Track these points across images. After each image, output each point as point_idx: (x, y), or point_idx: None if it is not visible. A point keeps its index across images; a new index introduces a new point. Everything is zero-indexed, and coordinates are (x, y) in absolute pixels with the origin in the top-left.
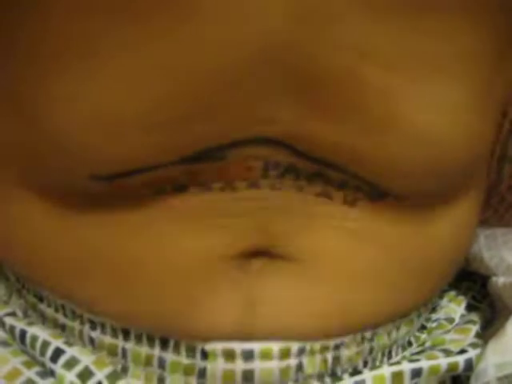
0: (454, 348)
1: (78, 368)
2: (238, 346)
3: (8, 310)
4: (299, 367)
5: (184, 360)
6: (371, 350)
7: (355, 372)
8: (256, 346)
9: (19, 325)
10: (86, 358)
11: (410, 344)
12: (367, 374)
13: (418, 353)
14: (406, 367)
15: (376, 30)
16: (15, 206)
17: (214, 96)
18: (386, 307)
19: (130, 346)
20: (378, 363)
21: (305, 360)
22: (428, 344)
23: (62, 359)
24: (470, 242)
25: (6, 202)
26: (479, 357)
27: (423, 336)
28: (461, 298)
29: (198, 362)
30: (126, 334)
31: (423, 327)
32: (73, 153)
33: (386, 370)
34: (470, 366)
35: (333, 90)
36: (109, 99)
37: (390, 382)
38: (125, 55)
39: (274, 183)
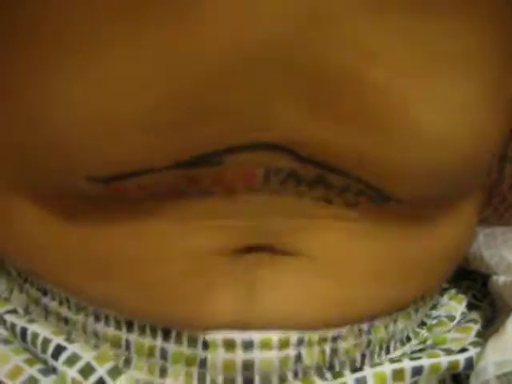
0: (455, 347)
1: (80, 364)
2: (238, 336)
3: (8, 307)
4: (298, 358)
5: (185, 350)
6: (369, 343)
7: (355, 368)
8: (256, 336)
9: (20, 322)
10: (87, 355)
11: (408, 339)
12: (368, 371)
13: (420, 350)
14: (407, 365)
15: (381, 30)
16: (10, 210)
17: (213, 98)
18: (383, 301)
19: (133, 337)
20: (376, 357)
21: (303, 351)
22: (429, 342)
23: (64, 356)
24: (470, 241)
25: (1, 205)
26: (479, 355)
27: (423, 332)
28: (462, 296)
29: (199, 353)
30: (130, 326)
31: (423, 323)
32: (70, 153)
33: (387, 368)
34: (470, 364)
35: (336, 91)
36: (107, 99)
37: (391, 380)
38: (123, 55)
39: (274, 190)
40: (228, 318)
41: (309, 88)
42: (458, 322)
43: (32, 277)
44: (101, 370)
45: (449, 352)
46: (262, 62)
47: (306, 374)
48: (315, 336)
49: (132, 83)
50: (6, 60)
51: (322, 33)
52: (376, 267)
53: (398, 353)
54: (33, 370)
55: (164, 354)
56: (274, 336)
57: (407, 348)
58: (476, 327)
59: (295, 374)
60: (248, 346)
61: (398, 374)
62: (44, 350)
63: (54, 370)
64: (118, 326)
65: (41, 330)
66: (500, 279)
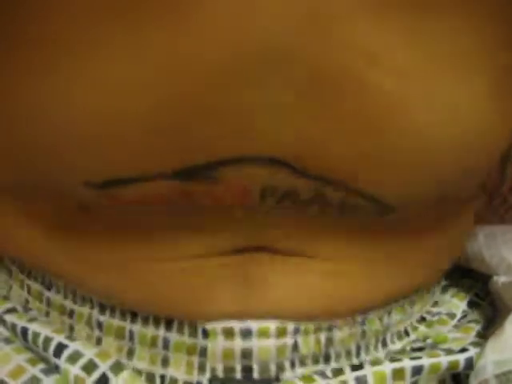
0: (456, 346)
1: (82, 361)
2: (237, 325)
3: (8, 305)
4: (295, 347)
5: (187, 339)
6: (364, 334)
7: (353, 366)
8: (254, 325)
9: (20, 323)
10: (88, 352)
11: (407, 334)
12: (368, 370)
13: (420, 349)
14: (407, 364)
15: (381, 30)
16: (7, 211)
17: (213, 98)
18: (376, 294)
19: (137, 327)
20: (372, 349)
21: (299, 339)
22: (430, 341)
23: (66, 353)
24: (466, 238)
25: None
26: (479, 355)
27: (422, 328)
28: (464, 294)
29: (200, 341)
30: (134, 317)
31: (423, 319)
32: (68, 154)
33: (387, 367)
34: (470, 364)
35: (336, 91)
36: (106, 99)
37: (391, 379)
38: (122, 56)
39: (270, 209)
40: (227, 310)
41: (308, 88)
42: (459, 320)
43: (36, 271)
44: (103, 366)
45: (449, 352)
46: (262, 62)
47: (303, 364)
48: (311, 325)
49: (132, 84)
50: (3, 59)
51: (322, 33)
52: (371, 268)
53: (395, 346)
54: (35, 370)
55: (166, 344)
56: (272, 325)
57: (405, 342)
58: (477, 327)
59: (292, 364)
60: (246, 334)
61: (398, 374)
62: (46, 349)
63: (56, 368)
64: (123, 317)
65: (41, 329)
66: (500, 280)
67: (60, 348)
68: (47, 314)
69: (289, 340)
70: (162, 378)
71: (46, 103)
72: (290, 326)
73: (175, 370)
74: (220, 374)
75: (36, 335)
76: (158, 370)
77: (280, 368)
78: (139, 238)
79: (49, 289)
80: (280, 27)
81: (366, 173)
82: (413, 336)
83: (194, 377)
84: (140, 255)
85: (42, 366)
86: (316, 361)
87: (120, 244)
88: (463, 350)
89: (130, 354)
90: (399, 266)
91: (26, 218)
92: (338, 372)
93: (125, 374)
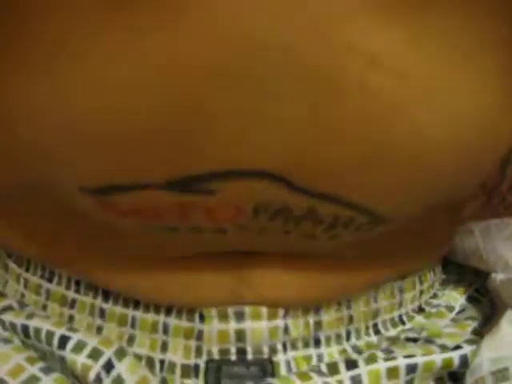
0: (450, 342)
1: (87, 350)
2: (231, 309)
3: (4, 302)
4: (286, 329)
5: (185, 324)
6: (351, 319)
7: (347, 362)
8: (247, 309)
9: (19, 320)
10: (91, 341)
11: (402, 322)
12: (363, 369)
13: (414, 340)
14: (401, 362)
15: (382, 30)
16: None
17: (210, 102)
18: (359, 281)
19: (138, 314)
20: (363, 334)
21: (289, 322)
22: (424, 334)
23: (70, 344)
24: (460, 234)
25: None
26: (474, 352)
27: (419, 318)
28: (464, 288)
29: (197, 325)
30: (136, 304)
31: (422, 310)
32: (65, 156)
33: (382, 365)
34: (465, 362)
35: (336, 91)
36: (105, 99)
37: (386, 377)
38: (118, 60)
39: (262, 226)
40: (222, 298)
41: (308, 89)
42: (457, 314)
43: (36, 264)
44: (108, 353)
45: (443, 348)
46: (261, 63)
47: (294, 348)
48: (299, 309)
49: (131, 84)
50: (2, 58)
51: (322, 33)
52: (355, 260)
53: (389, 333)
54: (34, 369)
55: (166, 328)
56: (264, 309)
57: (400, 330)
58: (473, 324)
59: (284, 346)
60: (240, 316)
61: (392, 372)
62: (49, 343)
63: (61, 360)
64: (126, 305)
65: (42, 324)
66: (498, 277)
67: (63, 340)
68: (44, 308)
69: (280, 322)
70: (162, 362)
71: (44, 103)
72: (281, 310)
73: (174, 355)
74: (216, 356)
75: (38, 331)
76: (158, 355)
77: (272, 350)
78: (140, 242)
79: (49, 281)
80: (280, 27)
81: (363, 178)
82: (408, 325)
83: (191, 360)
84: (143, 254)
85: (41, 364)
86: (306, 344)
87: (122, 244)
88: (457, 348)
89: (131, 340)
90: (382, 258)
91: (26, 218)
92: (333, 371)
93: (127, 360)
